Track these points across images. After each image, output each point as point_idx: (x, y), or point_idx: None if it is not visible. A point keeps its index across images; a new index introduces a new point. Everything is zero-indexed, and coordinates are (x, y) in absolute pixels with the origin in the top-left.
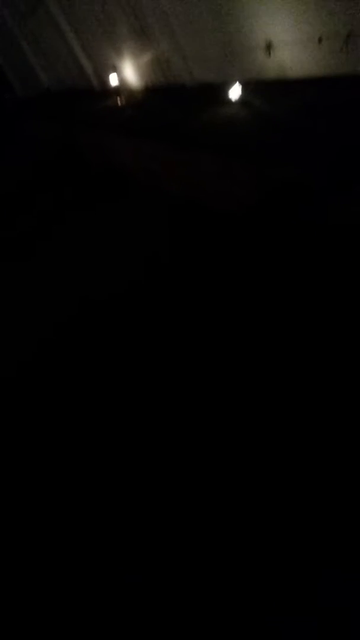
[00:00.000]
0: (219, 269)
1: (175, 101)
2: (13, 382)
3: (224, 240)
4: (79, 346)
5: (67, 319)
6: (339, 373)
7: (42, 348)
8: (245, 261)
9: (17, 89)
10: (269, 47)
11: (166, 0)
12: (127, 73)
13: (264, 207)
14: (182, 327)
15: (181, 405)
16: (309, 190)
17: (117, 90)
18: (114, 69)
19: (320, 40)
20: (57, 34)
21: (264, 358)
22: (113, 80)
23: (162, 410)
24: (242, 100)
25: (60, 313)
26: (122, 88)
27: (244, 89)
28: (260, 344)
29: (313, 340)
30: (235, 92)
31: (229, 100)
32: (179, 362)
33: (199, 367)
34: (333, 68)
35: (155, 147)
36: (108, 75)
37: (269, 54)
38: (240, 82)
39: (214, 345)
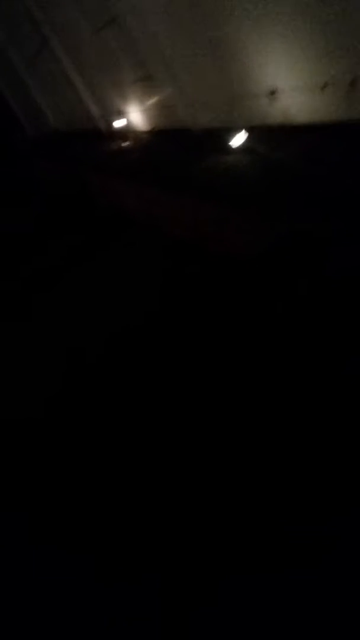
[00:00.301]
0: (219, 315)
1: (179, 146)
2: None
3: (225, 286)
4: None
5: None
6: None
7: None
8: (249, 306)
9: (27, 129)
10: (272, 93)
11: (170, 49)
12: (133, 117)
13: (270, 255)
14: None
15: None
16: (316, 239)
17: (123, 134)
18: (120, 112)
19: (324, 86)
20: (64, 77)
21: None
22: (119, 124)
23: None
24: (246, 146)
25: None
26: (128, 131)
27: (248, 135)
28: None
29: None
30: (239, 138)
31: (233, 147)
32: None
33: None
34: (338, 114)
35: (158, 194)
36: (114, 119)
37: (273, 100)
38: (244, 128)
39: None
